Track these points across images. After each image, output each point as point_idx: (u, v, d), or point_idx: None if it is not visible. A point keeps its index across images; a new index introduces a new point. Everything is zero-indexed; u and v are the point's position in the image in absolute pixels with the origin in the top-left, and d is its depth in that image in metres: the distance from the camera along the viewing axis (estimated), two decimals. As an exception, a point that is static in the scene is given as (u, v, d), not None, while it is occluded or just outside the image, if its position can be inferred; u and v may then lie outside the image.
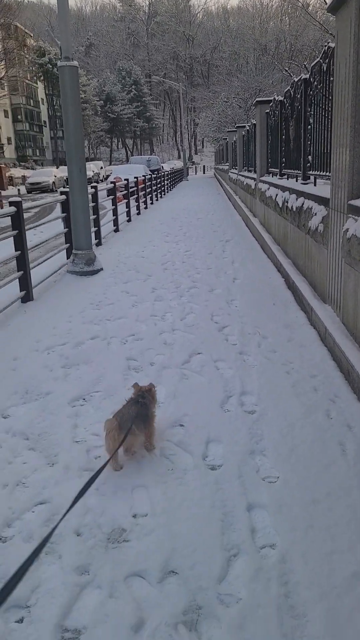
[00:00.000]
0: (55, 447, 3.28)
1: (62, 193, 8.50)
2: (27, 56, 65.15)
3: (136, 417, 2.98)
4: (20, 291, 6.63)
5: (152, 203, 21.36)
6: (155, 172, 26.40)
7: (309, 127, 6.63)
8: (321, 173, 5.93)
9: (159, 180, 24.71)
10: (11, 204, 6.33)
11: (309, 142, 6.68)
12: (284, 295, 6.52)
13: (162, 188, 26.53)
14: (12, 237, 6.47)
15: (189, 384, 4.14)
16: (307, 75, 6.59)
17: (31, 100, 72.88)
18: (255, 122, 12.64)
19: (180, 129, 79.99)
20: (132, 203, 16.44)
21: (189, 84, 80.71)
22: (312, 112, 6.45)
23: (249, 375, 4.22)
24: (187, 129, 79.46)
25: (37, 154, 73.37)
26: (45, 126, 77.81)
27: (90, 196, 8.83)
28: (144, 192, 19.09)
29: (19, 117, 69.13)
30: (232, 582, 2.18)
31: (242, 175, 16.29)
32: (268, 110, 10.70)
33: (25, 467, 3.08)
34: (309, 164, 6.72)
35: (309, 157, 6.69)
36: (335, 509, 2.60)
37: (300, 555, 2.29)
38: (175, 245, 10.90)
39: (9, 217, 6.44)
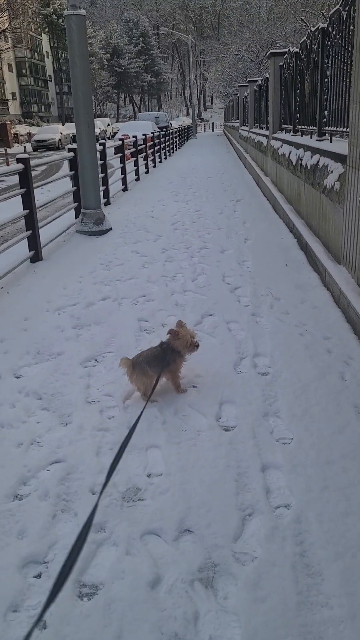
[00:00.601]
0: (69, 407, 3.28)
1: (70, 150, 8.29)
2: (30, 6, 62.65)
3: (154, 360, 3.15)
4: (29, 251, 6.55)
5: (160, 162, 20.88)
6: (164, 129, 25.73)
7: (326, 80, 6.34)
8: (338, 129, 5.70)
9: (167, 138, 24.07)
10: (19, 160, 6.17)
11: (325, 97, 6.41)
12: (296, 256, 6.40)
13: (171, 146, 25.89)
14: (19, 196, 6.34)
15: (201, 345, 4.05)
16: (325, 25, 6.25)
17: (36, 54, 70.47)
18: (268, 75, 12.15)
19: (189, 84, 77.35)
20: (141, 162, 16.07)
21: (199, 36, 77.56)
22: (330, 65, 6.16)
23: (261, 337, 4.18)
24: (196, 84, 76.88)
25: (43, 110, 71.53)
26: (51, 81, 75.55)
27: (98, 154, 8.59)
28: (152, 150, 18.63)
29: (24, 71, 67.03)
30: (248, 541, 2.19)
31: (253, 133, 15.81)
32: (282, 63, 10.26)
33: (39, 427, 3.09)
34: (325, 120, 6.47)
35: (325, 112, 6.43)
36: (350, 470, 2.59)
37: (315, 515, 2.29)
38: (185, 204, 10.69)
39: (17, 175, 6.30)
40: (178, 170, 17.91)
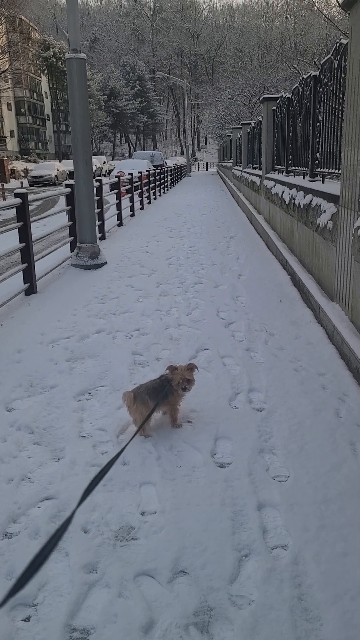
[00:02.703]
0: (61, 442, 3.23)
1: (67, 186, 8.43)
2: (31, 49, 64.87)
3: (154, 391, 3.18)
4: (24, 283, 6.57)
5: (155, 198, 21.27)
6: (159, 168, 26.30)
7: (318, 124, 6.56)
8: (330, 171, 5.86)
9: (162, 175, 24.60)
10: (17, 195, 6.26)
11: (317, 140, 6.61)
12: (290, 292, 6.46)
13: (165, 184, 26.43)
14: (16, 229, 6.40)
15: (196, 380, 4.07)
16: (317, 72, 6.51)
17: (35, 94, 72.57)
18: (261, 119, 12.55)
19: (183, 125, 79.66)
20: (136, 198, 16.36)
21: (193, 81, 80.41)
22: (322, 110, 6.38)
23: (256, 372, 4.17)
24: (190, 125, 79.25)
25: (40, 147, 73.13)
26: (49, 120, 77.56)
27: (94, 190, 8.74)
28: (147, 187, 19.00)
29: (22, 110, 68.87)
30: (244, 583, 2.13)
31: (247, 172, 16.21)
32: (274, 108, 10.62)
33: (30, 462, 3.03)
34: (317, 162, 6.65)
35: (317, 154, 6.62)
36: (347, 508, 2.55)
37: (312, 556, 2.24)
38: (180, 240, 10.83)
39: (13, 210, 6.38)
40: (172, 207, 18.22)
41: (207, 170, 65.40)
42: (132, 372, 4.27)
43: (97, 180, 10.40)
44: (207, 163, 69.97)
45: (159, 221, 14.24)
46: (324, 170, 6.14)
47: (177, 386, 3.25)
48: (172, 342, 4.92)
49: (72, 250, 8.64)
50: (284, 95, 9.20)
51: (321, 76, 6.24)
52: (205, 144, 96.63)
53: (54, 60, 64.27)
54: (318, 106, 6.46)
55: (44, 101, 75.99)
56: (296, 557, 2.24)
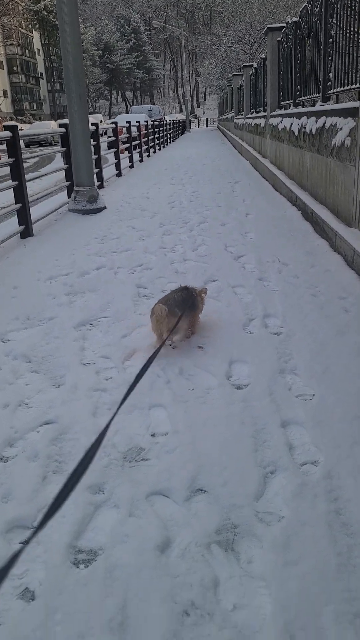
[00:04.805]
0: (61, 369, 2.95)
1: (60, 125, 7.94)
2: (20, 3, 62.10)
3: (183, 302, 3.01)
4: (19, 225, 6.21)
5: (154, 152, 20.51)
6: (157, 122, 25.31)
7: (330, 40, 6.03)
8: (345, 88, 5.39)
9: (161, 128, 23.71)
10: (6, 128, 5.81)
11: (330, 58, 6.09)
12: (301, 226, 6.08)
13: (164, 138, 25.51)
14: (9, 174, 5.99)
15: (205, 308, 3.77)
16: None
17: (27, 51, 69.77)
18: (264, 56, 11.83)
19: (181, 80, 76.93)
20: (134, 151, 15.70)
21: (191, 32, 77.14)
22: (335, 22, 5.83)
23: (271, 300, 3.86)
24: (189, 79, 76.48)
25: (35, 107, 70.83)
26: (42, 78, 74.85)
27: (89, 125, 8.20)
28: (146, 139, 18.28)
29: (15, 68, 66.35)
30: (272, 500, 1.87)
31: (250, 118, 15.50)
32: (280, 38, 9.94)
33: (28, 388, 2.76)
34: (329, 83, 6.15)
35: (330, 74, 6.12)
36: (381, 425, 2.27)
37: (348, 471, 1.97)
38: (182, 187, 10.35)
39: (5, 148, 5.95)
40: (173, 159, 17.57)
41: (207, 126, 63.49)
42: (136, 303, 3.97)
43: (93, 124, 9.85)
44: (207, 119, 67.91)
45: (160, 171, 13.68)
46: (338, 90, 5.67)
47: (200, 293, 3.23)
48: (178, 275, 4.59)
49: (69, 196, 8.21)
50: (290, 21, 8.55)
51: (334, -15, 5.67)
52: (205, 99, 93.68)
53: (45, 13, 61.50)
54: (330, 20, 5.91)
55: (36, 58, 73.13)
56: (329, 472, 1.97)
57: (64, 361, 3.05)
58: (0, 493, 1.96)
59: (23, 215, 6.21)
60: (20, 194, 6.10)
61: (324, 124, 5.57)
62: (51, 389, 2.75)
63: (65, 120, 7.78)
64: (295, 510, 1.80)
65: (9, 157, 5.96)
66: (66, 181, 8.26)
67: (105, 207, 8.02)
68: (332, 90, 5.96)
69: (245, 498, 1.87)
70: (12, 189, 6.10)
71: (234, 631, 1.39)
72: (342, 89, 5.51)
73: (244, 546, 1.67)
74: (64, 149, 8.06)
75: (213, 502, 1.87)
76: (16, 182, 6.03)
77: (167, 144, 26.64)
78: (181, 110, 75.45)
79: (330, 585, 1.50)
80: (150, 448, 2.22)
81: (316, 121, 6.00)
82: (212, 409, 2.48)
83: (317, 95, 6.66)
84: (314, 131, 6.05)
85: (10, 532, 1.78)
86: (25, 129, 42.42)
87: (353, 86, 5.05)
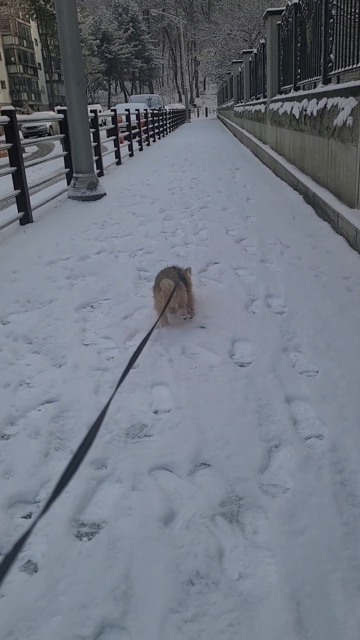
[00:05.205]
0: (62, 350, 2.92)
1: (59, 111, 7.85)
2: (17, -8, 61.44)
3: (178, 277, 3.01)
4: (19, 212, 6.16)
5: (154, 141, 20.36)
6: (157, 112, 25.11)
7: (331, 20, 5.93)
8: (347, 68, 5.30)
9: (160, 117, 23.53)
10: (3, 112, 5.75)
11: (331, 39, 6.00)
12: (303, 209, 6.02)
13: (164, 127, 25.32)
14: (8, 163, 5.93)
15: (207, 290, 3.74)
16: None
17: (24, 41, 69.12)
18: (264, 41, 11.69)
19: (180, 70, 76.37)
20: (134, 139, 15.59)
21: (189, 20, 76.36)
22: (336, 2, 5.74)
23: (273, 280, 3.82)
24: (188, 69, 75.67)
25: (33, 98, 70.28)
26: (40, 69, 74.21)
27: (88, 111, 8.11)
28: (145, 127, 18.13)
29: (12, 59, 65.76)
30: (276, 472, 1.85)
31: (250, 105, 15.36)
32: (279, 22, 9.80)
33: (29, 369, 2.74)
34: (330, 64, 6.07)
35: (331, 55, 6.03)
36: (387, 400, 2.24)
37: (353, 443, 1.95)
38: (182, 173, 10.27)
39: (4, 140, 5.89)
40: (173, 147, 17.44)
41: (206, 116, 63.02)
42: (137, 286, 3.93)
43: (92, 111, 9.76)
44: (206, 109, 67.38)
45: (160, 159, 13.59)
46: (339, 70, 5.58)
47: (185, 272, 3.20)
48: (179, 258, 4.55)
49: (68, 183, 8.14)
50: (289, 3, 8.42)
51: None
52: (204, 89, 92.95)
53: (42, 2, 60.85)
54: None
55: (34, 49, 72.46)
56: (334, 445, 1.95)
57: (65, 342, 3.02)
58: (1, 469, 1.94)
59: (22, 202, 6.16)
60: (19, 179, 6.04)
61: (325, 105, 5.50)
62: (52, 369, 2.73)
63: (64, 107, 7.70)
64: (300, 482, 1.77)
65: (7, 143, 5.90)
66: (65, 168, 8.19)
67: (105, 194, 7.96)
68: (333, 72, 5.87)
69: (250, 471, 1.85)
70: (10, 175, 6.04)
71: (239, 599, 1.37)
72: (343, 69, 5.43)
73: (248, 517, 1.65)
74: (62, 135, 7.99)
75: (217, 476, 1.84)
76: (15, 168, 5.97)
77: (166, 133, 26.45)
78: (180, 100, 74.96)
79: (337, 553, 1.48)
80: (153, 424, 2.19)
81: (317, 103, 5.92)
82: (215, 385, 2.45)
83: (317, 77, 6.57)
84: (315, 113, 5.97)
85: (12, 507, 1.76)
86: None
87: (355, 65, 4.97)
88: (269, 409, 2.23)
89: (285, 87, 9.53)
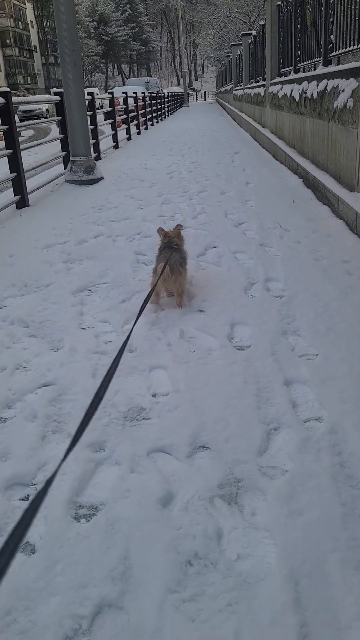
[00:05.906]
0: (60, 334, 2.90)
1: (55, 94, 7.73)
2: (12, -28, 60.29)
3: (181, 259, 3.02)
4: (15, 195, 6.09)
5: (152, 125, 20.15)
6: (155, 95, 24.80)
7: (332, 1, 5.82)
8: (347, 49, 5.22)
9: (158, 100, 23.25)
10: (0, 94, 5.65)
11: (331, 20, 5.89)
12: (303, 193, 5.97)
13: (162, 111, 25.03)
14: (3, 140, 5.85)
15: (206, 273, 3.72)
16: None
17: (20, 23, 68.01)
18: (263, 22, 11.50)
19: (179, 52, 75.31)
20: (132, 123, 15.41)
21: (188, 2, 75.17)
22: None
23: (272, 264, 3.79)
24: (186, 52, 74.59)
25: (29, 81, 69.31)
26: (36, 51, 73.14)
27: (85, 93, 7.99)
28: (143, 111, 17.91)
29: (8, 41, 64.76)
30: (275, 455, 1.84)
31: (249, 88, 15.16)
32: (279, 3, 9.63)
33: (25, 352, 2.72)
34: (331, 45, 5.97)
35: (332, 36, 5.92)
36: (386, 382, 2.23)
37: (353, 425, 1.94)
38: (181, 157, 10.17)
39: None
40: (171, 131, 17.25)
41: (205, 100, 62.30)
42: (135, 270, 3.90)
43: (89, 94, 9.63)
44: (205, 92, 66.56)
45: (158, 143, 13.44)
46: (340, 51, 5.50)
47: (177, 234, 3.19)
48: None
49: (65, 167, 8.05)
50: (291, -17, 8.26)
51: None
52: (203, 72, 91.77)
53: (38, -17, 59.74)
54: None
55: (29, 31, 71.32)
56: (334, 427, 1.94)
57: (62, 325, 3.00)
58: (-1, 451, 1.93)
59: (18, 185, 6.09)
60: (14, 163, 5.97)
61: (326, 86, 5.41)
62: (49, 353, 2.71)
63: (61, 90, 7.58)
64: (299, 464, 1.77)
65: (2, 125, 5.82)
66: (62, 152, 8.10)
67: (102, 178, 7.88)
68: (333, 53, 5.78)
69: (249, 453, 1.84)
70: (6, 157, 5.96)
71: (238, 579, 1.36)
72: (344, 50, 5.34)
73: (247, 499, 1.65)
74: (59, 118, 7.88)
75: (216, 458, 1.84)
76: (10, 151, 5.89)
77: (165, 117, 26.16)
78: (179, 84, 74.05)
79: (336, 533, 1.48)
80: (152, 407, 2.18)
81: (317, 85, 5.83)
82: (214, 369, 2.44)
83: (318, 59, 6.47)
84: (315, 95, 5.89)
85: (9, 490, 1.75)
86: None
87: (356, 46, 4.89)
88: (268, 392, 2.22)
89: (285, 69, 9.40)
